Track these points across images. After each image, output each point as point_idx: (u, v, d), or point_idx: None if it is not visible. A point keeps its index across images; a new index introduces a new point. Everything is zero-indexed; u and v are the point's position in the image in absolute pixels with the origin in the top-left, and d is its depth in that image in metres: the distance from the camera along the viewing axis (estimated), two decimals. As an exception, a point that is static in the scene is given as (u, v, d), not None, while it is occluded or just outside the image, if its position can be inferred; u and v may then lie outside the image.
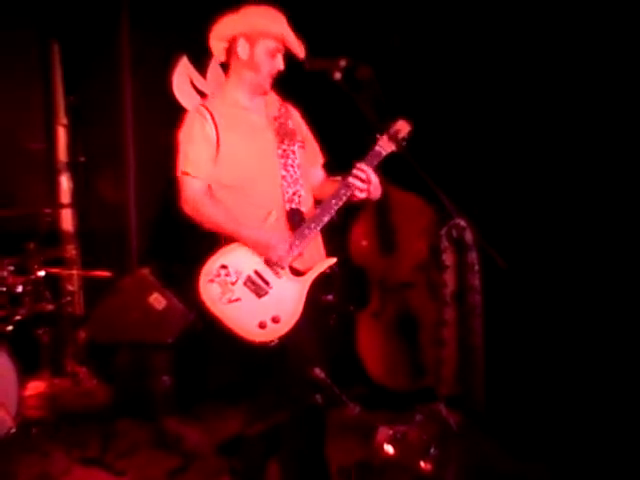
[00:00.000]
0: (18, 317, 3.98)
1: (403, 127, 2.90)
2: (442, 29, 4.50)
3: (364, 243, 4.63)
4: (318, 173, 3.18)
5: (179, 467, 3.70)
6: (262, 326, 2.73)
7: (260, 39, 2.89)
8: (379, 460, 3.49)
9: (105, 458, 3.78)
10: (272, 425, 2.87)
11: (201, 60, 4.89)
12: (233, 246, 2.83)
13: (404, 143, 2.87)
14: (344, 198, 2.84)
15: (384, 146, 2.87)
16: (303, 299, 2.79)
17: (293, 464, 2.91)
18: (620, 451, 3.45)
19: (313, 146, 3.17)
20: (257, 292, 2.77)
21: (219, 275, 2.77)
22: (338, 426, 3.93)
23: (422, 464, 3.27)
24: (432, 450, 3.25)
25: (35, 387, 4.35)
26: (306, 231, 2.83)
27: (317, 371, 2.77)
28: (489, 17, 4.26)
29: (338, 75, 2.81)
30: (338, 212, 2.86)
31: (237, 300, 2.75)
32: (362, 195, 2.86)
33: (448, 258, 3.06)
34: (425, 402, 3.38)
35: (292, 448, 2.89)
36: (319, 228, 2.86)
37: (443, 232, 3.02)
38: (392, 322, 4.51)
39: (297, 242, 2.82)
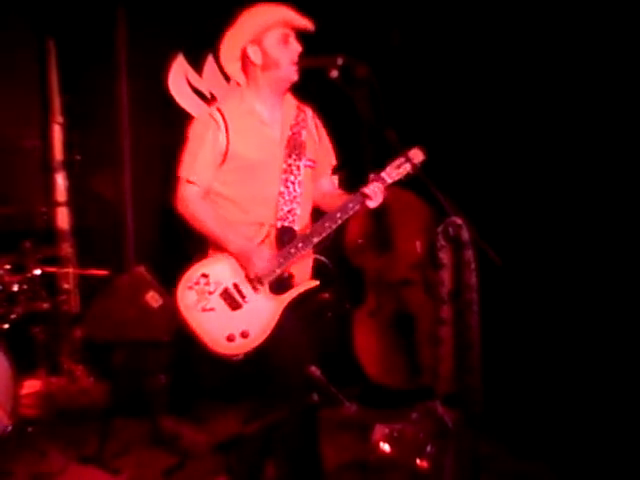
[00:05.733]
0: (14, 316, 3.98)
1: (416, 156, 2.88)
2: (441, 27, 4.50)
3: (360, 241, 4.63)
4: (327, 182, 3.15)
5: (175, 465, 3.70)
6: (230, 339, 2.74)
7: (265, 35, 2.83)
8: (376, 458, 3.49)
9: (101, 456, 3.77)
10: (269, 424, 2.87)
11: (197, 58, 4.89)
12: (218, 257, 2.84)
13: (414, 172, 2.85)
14: (339, 222, 2.83)
15: (391, 173, 2.87)
16: (276, 319, 2.78)
17: (288, 463, 2.91)
18: (619, 449, 3.46)
19: (327, 149, 3.14)
20: (231, 305, 2.78)
21: (199, 283, 2.78)
22: (335, 424, 3.95)
23: (418, 462, 3.27)
24: (429, 448, 3.25)
25: (31, 386, 4.34)
26: (292, 250, 2.81)
27: (313, 370, 2.77)
28: (488, 16, 4.26)
29: (335, 73, 2.79)
30: (330, 235, 2.85)
31: (211, 310, 2.76)
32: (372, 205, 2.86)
33: (444, 256, 3.05)
34: (422, 400, 3.38)
35: (287, 447, 2.89)
36: (307, 248, 2.85)
37: (439, 230, 3.01)
38: (389, 320, 4.51)
39: (281, 260, 2.81)
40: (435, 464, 3.20)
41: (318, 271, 3.01)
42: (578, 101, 3.88)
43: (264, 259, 2.78)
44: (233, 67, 2.95)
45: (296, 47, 2.87)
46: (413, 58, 4.64)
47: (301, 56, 2.87)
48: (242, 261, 2.80)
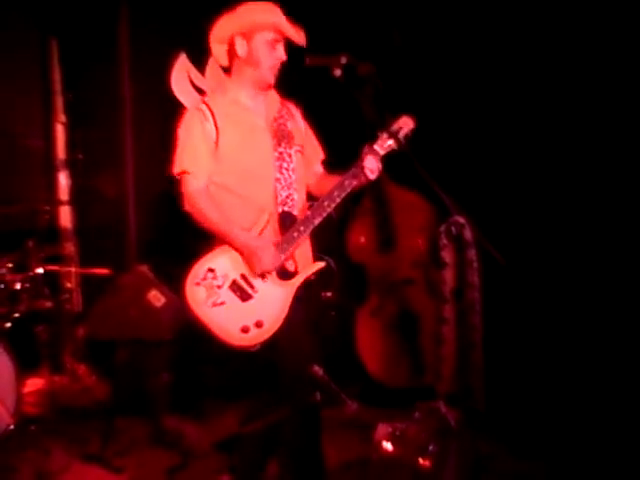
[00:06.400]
0: (17, 314, 3.98)
1: (406, 124, 2.88)
2: (443, 27, 4.50)
3: (362, 240, 4.63)
4: (317, 170, 3.17)
5: (178, 464, 3.70)
6: (245, 330, 2.73)
7: (256, 33, 2.86)
8: (378, 457, 3.49)
9: (104, 455, 3.78)
10: (271, 423, 2.87)
11: (200, 57, 4.88)
12: (221, 250, 2.84)
13: (406, 141, 2.85)
14: (337, 200, 2.83)
15: (383, 144, 2.87)
16: (288, 304, 2.78)
17: (290, 461, 2.91)
18: (620, 449, 3.45)
19: (313, 144, 3.16)
20: (242, 296, 2.77)
21: (206, 278, 2.78)
22: (337, 423, 3.95)
23: (421, 461, 3.27)
24: (431, 447, 3.25)
25: (34, 384, 4.35)
26: (295, 234, 2.82)
27: (316, 369, 2.78)
28: (490, 15, 4.26)
29: (338, 72, 2.80)
30: (330, 214, 2.84)
31: (222, 304, 2.76)
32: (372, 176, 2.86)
33: (447, 255, 3.05)
34: (424, 399, 3.38)
35: (290, 445, 2.89)
36: (309, 231, 2.85)
37: (442, 229, 3.01)
38: (391, 319, 4.51)
39: (285, 245, 2.81)
40: (438, 463, 3.20)
41: (321, 270, 3.00)
42: (578, 101, 3.89)
43: (270, 254, 2.78)
44: (219, 49, 2.99)
45: (281, 55, 2.90)
46: (415, 58, 4.64)
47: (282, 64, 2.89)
48: (247, 257, 2.79)
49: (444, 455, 3.14)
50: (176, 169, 2.90)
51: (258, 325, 2.74)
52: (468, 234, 2.91)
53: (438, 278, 3.17)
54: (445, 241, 3.03)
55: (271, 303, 2.77)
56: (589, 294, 3.86)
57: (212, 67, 4.91)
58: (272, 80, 2.94)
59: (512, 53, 4.14)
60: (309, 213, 2.86)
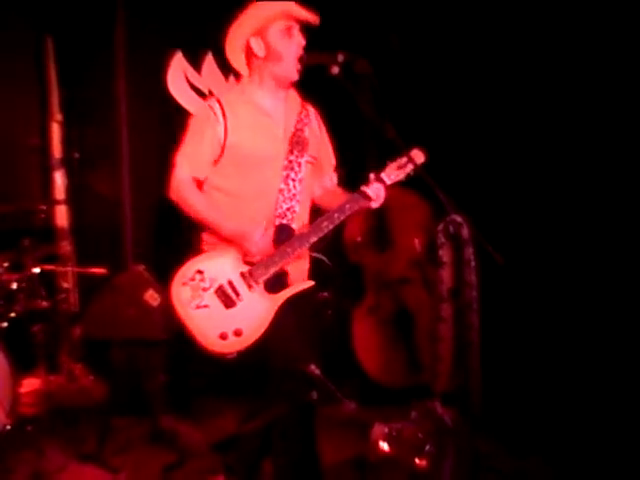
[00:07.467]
0: (13, 314, 3.96)
1: (417, 157, 2.86)
2: (441, 30, 4.51)
3: (359, 239, 4.63)
4: (327, 182, 3.14)
5: (174, 464, 3.70)
6: (223, 337, 2.72)
7: (269, 27, 2.81)
8: (374, 457, 3.49)
9: (101, 455, 3.77)
10: (267, 422, 2.86)
11: (196, 56, 4.88)
12: (213, 253, 2.83)
13: (415, 174, 2.84)
14: (336, 222, 2.81)
15: (391, 174, 2.86)
16: (270, 318, 2.76)
17: (286, 461, 2.89)
18: (618, 448, 3.45)
19: (327, 150, 3.12)
20: (226, 302, 2.75)
21: (193, 279, 2.76)
22: (334, 423, 3.95)
23: (417, 461, 3.27)
24: (427, 447, 3.25)
25: (30, 384, 4.32)
26: (289, 249, 2.79)
27: (312, 368, 2.77)
28: (487, 18, 4.26)
29: (336, 70, 2.78)
30: (327, 234, 2.82)
31: (205, 307, 2.74)
32: (375, 205, 2.86)
33: (444, 254, 3.06)
34: (421, 399, 3.38)
35: (285, 445, 2.88)
36: (304, 248, 2.83)
37: (439, 228, 3.01)
38: (388, 318, 4.51)
39: (277, 259, 2.78)
40: (434, 463, 3.20)
41: (317, 269, 3.00)
42: (576, 102, 3.89)
43: (260, 233, 2.75)
44: (238, 60, 2.92)
45: (300, 40, 2.85)
46: (414, 60, 4.64)
47: (302, 53, 2.86)
48: (239, 241, 2.77)
49: (441, 455, 3.13)
50: (174, 160, 2.87)
51: (237, 334, 2.72)
52: (465, 233, 2.90)
53: (435, 277, 3.17)
54: (442, 240, 3.03)
55: (253, 314, 2.75)
56: (587, 293, 3.86)
57: (208, 66, 4.91)
58: (296, 75, 2.87)
59: (510, 55, 4.14)
60: (306, 231, 2.83)
